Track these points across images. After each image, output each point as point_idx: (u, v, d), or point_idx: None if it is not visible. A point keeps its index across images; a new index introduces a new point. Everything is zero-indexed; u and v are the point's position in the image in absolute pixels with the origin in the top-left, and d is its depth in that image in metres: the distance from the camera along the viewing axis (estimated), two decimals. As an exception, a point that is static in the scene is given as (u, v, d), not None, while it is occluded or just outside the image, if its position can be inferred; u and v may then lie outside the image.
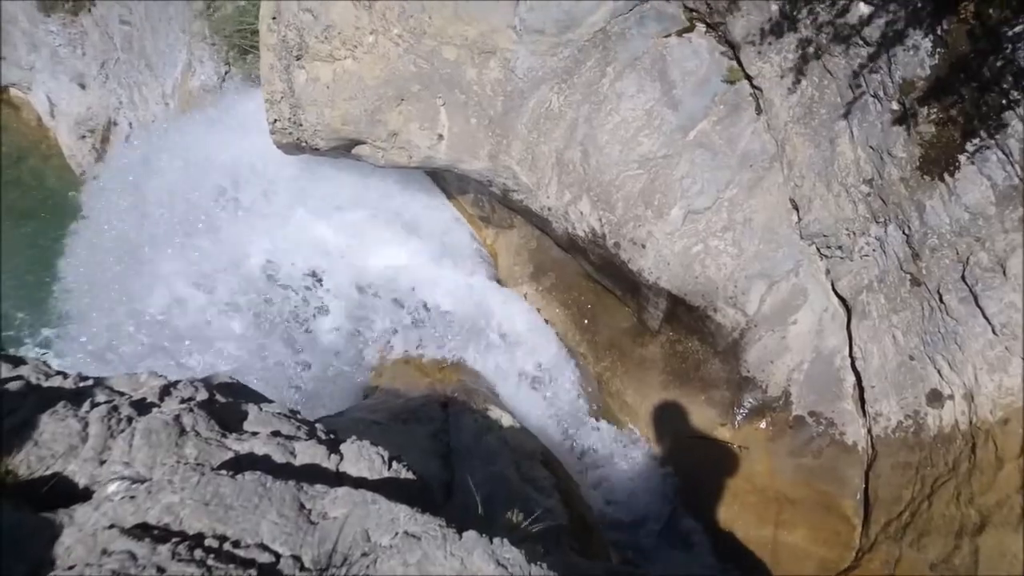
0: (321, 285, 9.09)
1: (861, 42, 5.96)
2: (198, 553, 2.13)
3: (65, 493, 2.42)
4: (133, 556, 2.05)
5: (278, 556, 2.26)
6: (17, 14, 16.62)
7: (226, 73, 12.05)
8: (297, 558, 2.27)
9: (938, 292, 6.11)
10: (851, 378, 7.08)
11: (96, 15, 15.30)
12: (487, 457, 6.31)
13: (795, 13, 6.25)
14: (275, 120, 8.10)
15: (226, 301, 8.85)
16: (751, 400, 7.45)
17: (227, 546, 2.22)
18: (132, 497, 2.31)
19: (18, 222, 15.83)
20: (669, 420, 7.82)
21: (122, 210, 10.06)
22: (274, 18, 7.71)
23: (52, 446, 2.59)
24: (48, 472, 2.49)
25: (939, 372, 6.31)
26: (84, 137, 16.60)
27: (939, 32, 5.50)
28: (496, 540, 2.41)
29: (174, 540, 2.15)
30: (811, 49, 6.33)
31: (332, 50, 7.52)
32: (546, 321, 8.79)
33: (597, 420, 8.34)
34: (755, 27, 6.57)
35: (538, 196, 7.76)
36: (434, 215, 9.68)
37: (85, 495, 2.42)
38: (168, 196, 9.66)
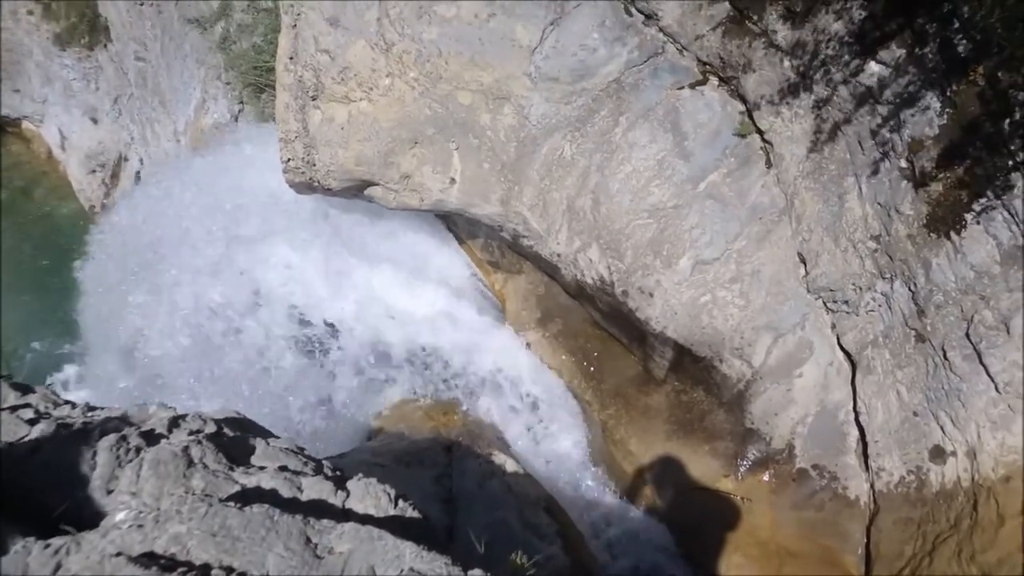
0: (325, 326, 9.10)
1: (873, 101, 6.04)
2: (204, 584, 2.12)
3: (72, 520, 2.41)
4: (140, 585, 2.04)
5: (284, 590, 2.24)
6: (32, 48, 16.81)
7: (239, 111, 12.16)
8: (303, 592, 2.26)
9: (943, 349, 6.12)
10: (855, 432, 7.07)
11: (112, 51, 15.48)
12: (490, 502, 6.28)
13: (809, 72, 6.34)
14: (289, 159, 8.17)
15: (228, 339, 8.88)
16: (755, 452, 7.42)
17: (233, 578, 2.21)
18: (140, 526, 2.30)
19: (26, 254, 15.90)
20: (673, 470, 7.77)
21: (130, 244, 10.12)
22: (291, 58, 7.82)
23: (60, 474, 2.59)
24: (56, 499, 2.49)
25: (942, 428, 6.30)
26: (94, 171, 16.67)
27: (948, 93, 5.58)
28: (502, 581, 2.40)
29: (180, 570, 2.14)
30: (824, 107, 6.41)
31: (348, 91, 7.61)
32: (552, 368, 8.77)
33: (601, 468, 8.28)
34: (767, 83, 6.66)
35: (548, 242, 7.80)
36: (443, 259, 9.71)
37: (92, 523, 2.41)
38: (176, 233, 9.72)
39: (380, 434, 8.19)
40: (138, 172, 15.45)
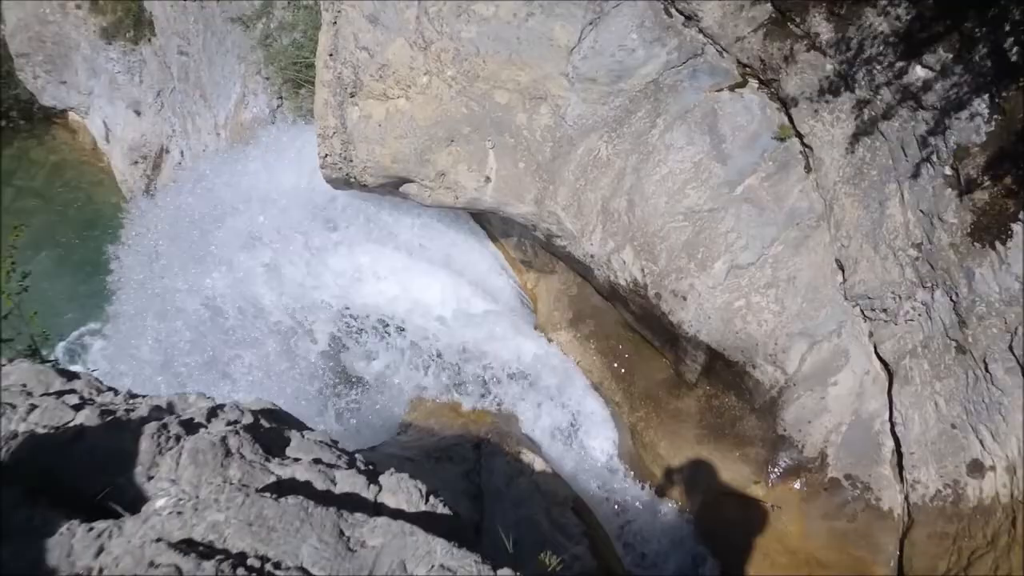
0: (359, 322, 9.16)
1: (917, 106, 5.96)
2: (240, 572, 2.15)
3: (113, 506, 2.45)
4: (179, 570, 2.07)
5: (317, 581, 2.27)
6: (79, 41, 17.11)
7: (278, 107, 12.28)
8: (335, 584, 2.28)
9: (984, 361, 6.02)
10: (890, 443, 6.97)
11: (155, 45, 15.72)
12: (518, 500, 6.30)
13: (851, 73, 6.28)
14: (326, 155, 8.25)
15: (263, 328, 8.96)
16: (786, 459, 7.35)
17: (268, 567, 2.23)
18: (179, 513, 2.34)
19: (70, 240, 16.22)
20: (702, 475, 7.72)
21: (170, 233, 10.27)
22: (331, 55, 7.89)
23: (103, 459, 2.64)
24: (98, 484, 2.53)
25: (981, 442, 6.19)
26: (137, 163, 16.95)
27: (997, 100, 5.49)
28: (531, 580, 2.41)
29: (218, 557, 2.17)
30: (866, 111, 6.34)
31: (386, 89, 7.66)
32: (582, 369, 8.75)
33: (629, 470, 8.26)
34: (809, 86, 6.60)
35: (581, 243, 7.79)
36: (475, 257, 9.73)
37: (133, 509, 2.46)
38: (215, 224, 9.83)
39: (410, 429, 8.23)
40: (179, 164, 15.68)
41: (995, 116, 5.54)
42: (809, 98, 6.65)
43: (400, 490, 3.03)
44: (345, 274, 9.17)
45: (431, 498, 3.07)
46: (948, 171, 5.92)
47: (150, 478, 2.62)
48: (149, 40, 15.89)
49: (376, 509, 2.90)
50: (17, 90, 18.44)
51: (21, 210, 16.78)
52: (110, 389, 3.21)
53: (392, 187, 8.33)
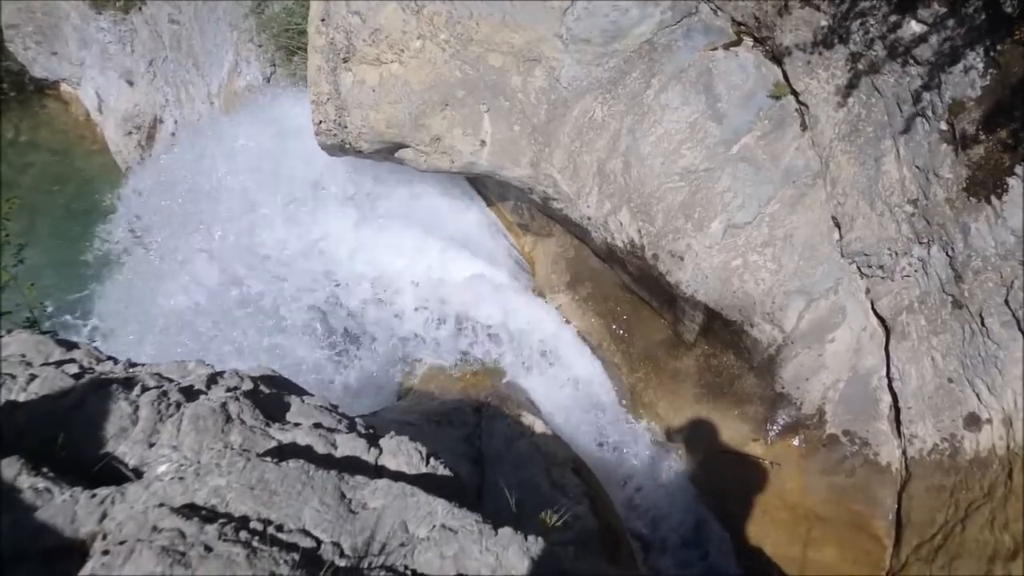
0: (356, 289, 9.15)
1: (912, 60, 5.92)
2: (243, 535, 2.18)
3: (115, 473, 2.48)
4: (182, 534, 2.11)
5: (319, 542, 2.30)
6: (69, 11, 16.91)
7: (272, 74, 12.18)
8: (337, 544, 2.32)
9: (980, 315, 6.04)
10: (887, 398, 7.01)
11: (146, 13, 15.54)
12: (518, 462, 6.34)
13: (845, 25, 6.22)
14: (320, 121, 8.20)
15: (258, 297, 8.97)
16: (785, 417, 7.40)
17: (271, 530, 2.27)
18: (181, 478, 2.37)
19: (64, 214, 16.14)
20: (701, 433, 7.78)
21: (165, 202, 10.26)
22: (323, 20, 7.81)
23: (104, 427, 2.66)
24: (100, 452, 2.56)
25: (978, 396, 6.23)
26: (130, 133, 16.82)
27: (992, 53, 5.46)
28: (531, 538, 2.44)
29: (221, 521, 2.21)
30: (860, 66, 6.30)
31: (379, 54, 7.60)
32: (581, 331, 8.78)
33: (629, 431, 8.31)
34: (804, 42, 6.55)
35: (578, 205, 7.78)
36: (472, 221, 9.71)
37: (134, 475, 2.49)
38: (210, 192, 9.81)
39: (410, 394, 8.27)
40: (172, 133, 15.59)
41: (990, 70, 5.51)
42: (804, 55, 6.60)
43: (400, 452, 3.06)
44: (340, 238, 9.17)
45: (432, 460, 3.10)
46: (943, 126, 5.90)
47: (151, 445, 2.65)
48: (140, 9, 15.70)
49: (377, 472, 2.93)
50: (8, 62, 18.25)
51: (11, 184, 16.66)
52: (109, 358, 3.23)
53: (388, 153, 8.30)
